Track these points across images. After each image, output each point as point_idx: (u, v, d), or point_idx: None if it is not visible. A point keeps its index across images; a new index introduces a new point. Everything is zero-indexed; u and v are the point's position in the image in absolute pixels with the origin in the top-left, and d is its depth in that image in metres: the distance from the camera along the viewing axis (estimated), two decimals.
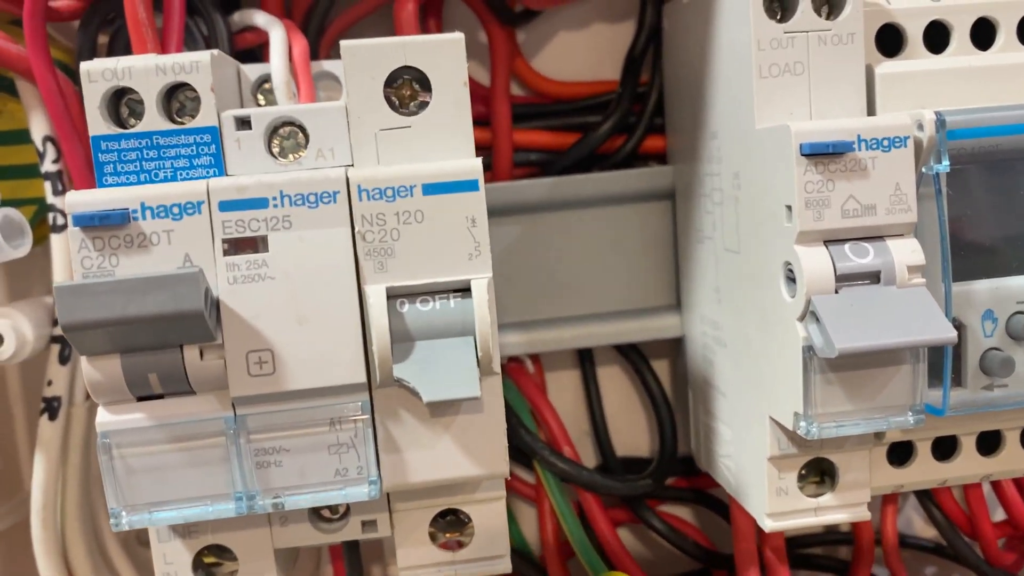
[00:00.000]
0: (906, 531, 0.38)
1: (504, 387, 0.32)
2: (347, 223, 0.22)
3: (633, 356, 0.35)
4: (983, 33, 0.27)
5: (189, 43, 0.29)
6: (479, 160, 0.22)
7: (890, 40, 0.26)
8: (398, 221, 0.22)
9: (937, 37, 0.27)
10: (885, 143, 0.23)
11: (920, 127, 0.24)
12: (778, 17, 0.25)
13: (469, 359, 0.21)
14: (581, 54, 0.35)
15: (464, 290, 0.22)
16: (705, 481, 0.35)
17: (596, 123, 0.33)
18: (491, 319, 0.22)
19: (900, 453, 0.28)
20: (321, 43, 0.31)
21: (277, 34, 0.26)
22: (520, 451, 0.33)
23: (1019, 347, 0.25)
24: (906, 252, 0.23)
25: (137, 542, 0.35)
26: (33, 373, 0.34)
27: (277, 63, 0.26)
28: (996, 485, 0.33)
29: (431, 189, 0.22)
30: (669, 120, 0.33)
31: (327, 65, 0.28)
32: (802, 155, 0.23)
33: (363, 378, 0.22)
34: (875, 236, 0.23)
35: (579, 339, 0.34)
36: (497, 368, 0.22)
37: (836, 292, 0.23)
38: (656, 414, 0.35)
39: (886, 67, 0.25)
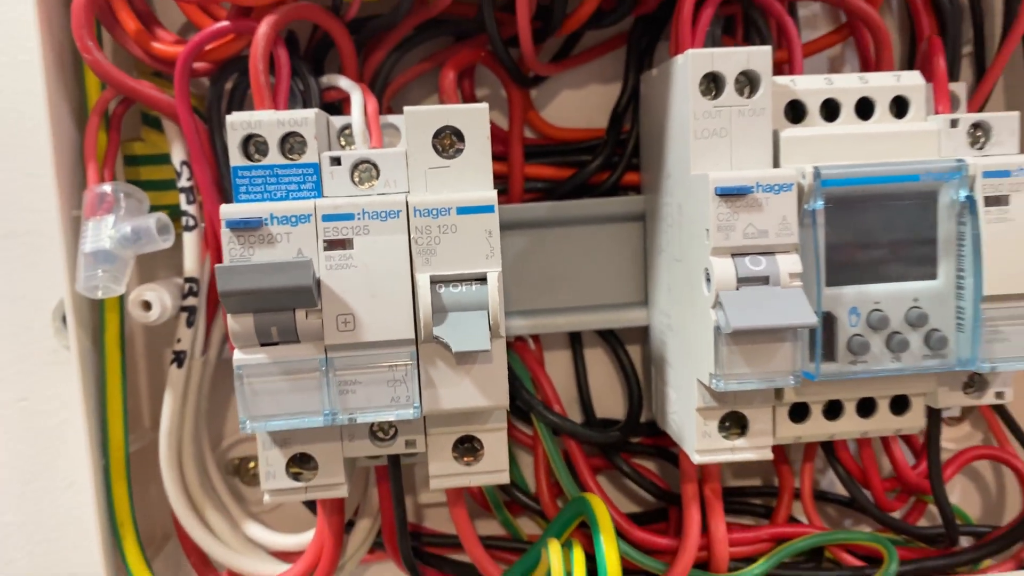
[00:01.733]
0: (828, 489, 0.48)
1: (511, 359, 0.43)
2: (405, 232, 0.32)
3: (611, 339, 0.46)
4: (865, 108, 0.37)
5: (292, 97, 0.39)
6: (495, 192, 0.33)
7: (796, 111, 0.37)
8: (439, 231, 0.32)
9: (831, 110, 0.37)
10: (775, 188, 0.33)
11: (803, 176, 0.34)
12: (711, 95, 0.35)
13: (483, 325, 0.32)
14: (578, 108, 0.45)
15: (482, 279, 0.32)
16: (666, 441, 0.45)
17: (587, 161, 0.44)
18: (499, 300, 0.32)
19: (798, 413, 0.38)
20: (383, 97, 0.42)
21: (356, 96, 0.37)
22: (521, 408, 0.44)
23: (875, 335, 0.35)
24: (788, 264, 0.33)
25: (225, 471, 0.46)
26: (154, 336, 0.45)
27: (357, 118, 0.36)
28: (887, 446, 0.43)
29: (462, 211, 0.32)
30: (642, 161, 0.43)
31: (390, 118, 0.38)
32: (716, 194, 0.33)
33: (412, 335, 0.32)
34: (768, 252, 0.33)
35: (570, 325, 0.44)
36: (502, 333, 0.32)
37: (738, 289, 0.33)
38: (627, 384, 0.45)
39: (788, 132, 0.36)
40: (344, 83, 0.38)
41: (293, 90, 0.38)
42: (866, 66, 0.43)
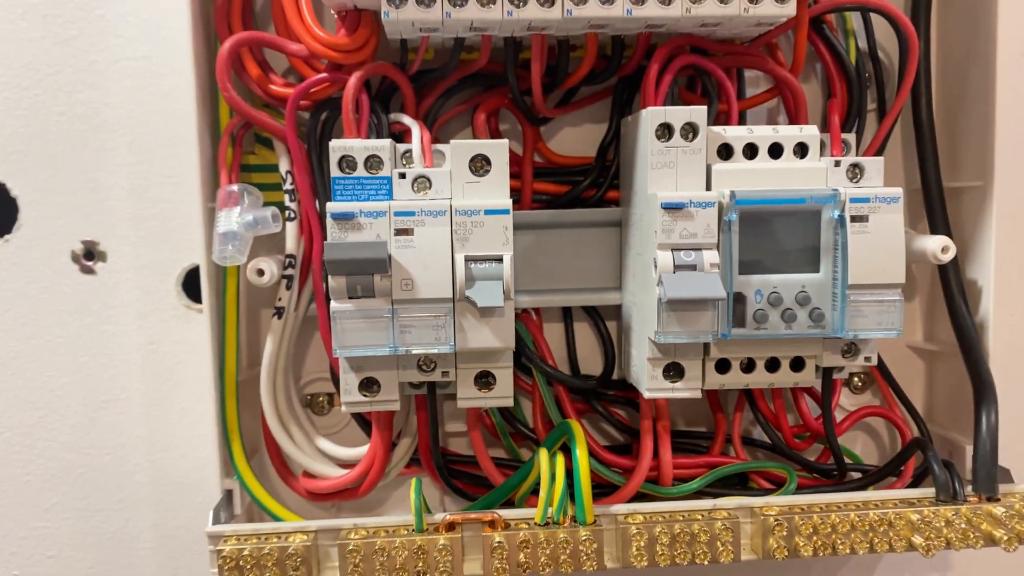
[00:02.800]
0: (760, 437, 0.62)
1: (519, 326, 0.58)
2: (449, 225, 0.47)
3: (594, 314, 0.61)
4: (776, 150, 0.52)
5: (371, 127, 0.54)
6: (511, 200, 0.48)
7: (727, 151, 0.52)
8: (472, 225, 0.47)
9: (752, 151, 0.52)
10: (703, 204, 0.48)
11: (724, 197, 0.49)
12: (664, 139, 0.50)
13: (499, 290, 0.47)
14: (576, 141, 0.60)
15: (499, 259, 0.47)
16: (633, 394, 0.60)
17: (580, 181, 0.59)
18: (510, 274, 0.47)
19: (722, 366, 0.53)
20: (433, 129, 0.57)
21: (416, 129, 0.52)
22: (524, 364, 0.59)
23: (773, 310, 0.50)
24: (710, 257, 0.48)
25: (302, 403, 0.61)
26: (253, 299, 0.60)
27: (416, 145, 0.52)
28: (795, 399, 0.58)
29: (488, 212, 0.48)
30: (620, 183, 0.58)
31: (439, 146, 0.53)
32: (662, 208, 0.48)
33: (450, 295, 0.47)
34: (696, 248, 0.48)
35: (562, 302, 0.59)
36: (512, 297, 0.48)
37: (674, 273, 0.48)
38: (604, 348, 0.60)
39: (718, 166, 0.51)
40: (406, 119, 0.53)
41: (370, 123, 0.54)
42: (790, 117, 0.57)
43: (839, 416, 0.61)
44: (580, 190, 0.58)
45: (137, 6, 0.59)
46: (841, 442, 0.63)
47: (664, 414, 0.57)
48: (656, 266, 0.49)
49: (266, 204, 0.55)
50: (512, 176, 0.58)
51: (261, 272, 0.53)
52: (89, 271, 0.61)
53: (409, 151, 0.52)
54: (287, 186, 0.55)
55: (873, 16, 0.59)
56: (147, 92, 0.59)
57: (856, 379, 0.64)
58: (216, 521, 0.52)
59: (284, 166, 0.55)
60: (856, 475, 0.60)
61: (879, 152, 0.61)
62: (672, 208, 0.48)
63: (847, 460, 0.60)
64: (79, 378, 0.61)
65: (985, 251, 0.57)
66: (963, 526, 0.51)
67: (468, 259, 0.47)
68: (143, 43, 0.59)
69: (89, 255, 0.61)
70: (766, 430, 0.58)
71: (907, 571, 0.66)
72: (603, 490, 0.57)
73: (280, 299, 0.55)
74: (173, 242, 0.61)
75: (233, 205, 0.53)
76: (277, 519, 0.55)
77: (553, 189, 0.59)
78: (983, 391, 0.55)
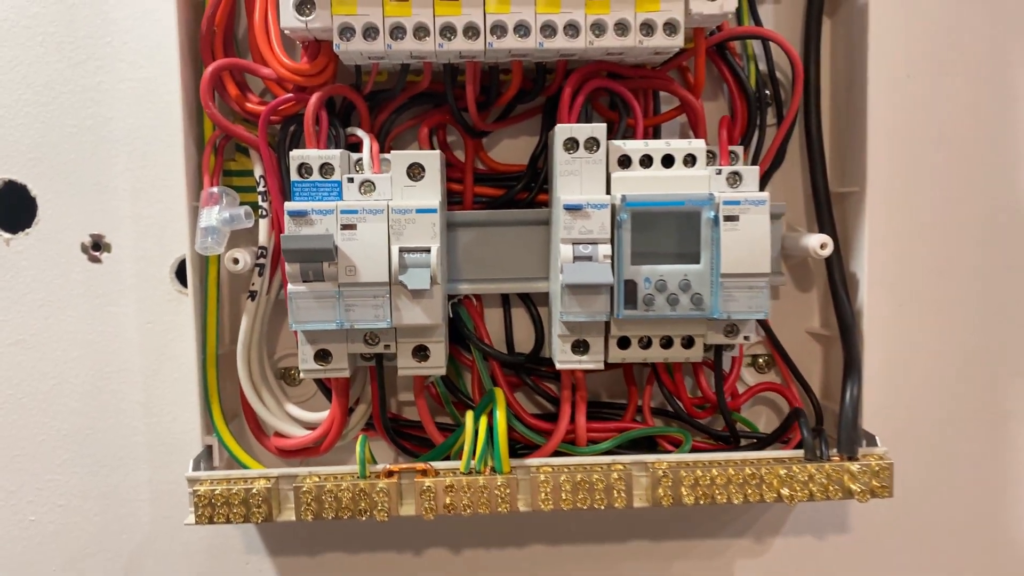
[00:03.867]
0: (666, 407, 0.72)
1: (461, 311, 0.67)
2: (386, 222, 0.57)
3: (527, 301, 0.70)
4: (669, 160, 0.61)
5: (330, 138, 0.64)
6: (438, 200, 0.58)
7: (625, 160, 0.61)
8: (406, 222, 0.57)
9: (648, 161, 0.61)
10: (598, 206, 0.58)
11: (616, 199, 0.58)
12: (572, 151, 0.60)
13: (427, 275, 0.57)
14: (513, 151, 0.70)
15: (428, 250, 0.57)
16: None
17: (515, 185, 0.68)
18: (436, 262, 0.57)
19: (623, 343, 0.62)
20: (387, 140, 0.67)
21: (366, 141, 0.62)
22: (465, 342, 0.68)
23: (660, 295, 0.59)
24: (604, 250, 0.58)
25: (276, 375, 0.71)
26: (234, 285, 0.70)
27: (366, 155, 0.62)
28: (695, 373, 0.67)
29: (419, 211, 0.57)
30: (549, 187, 0.68)
31: (386, 155, 0.63)
32: (564, 209, 0.58)
33: (387, 280, 0.57)
34: (592, 242, 0.58)
35: (499, 289, 0.68)
36: (440, 281, 0.57)
37: (574, 263, 0.58)
38: (536, 331, 0.70)
39: (617, 174, 0.60)
40: (360, 132, 0.63)
41: (330, 135, 0.64)
42: (693, 132, 0.67)
43: (743, 391, 0.70)
44: (514, 193, 0.68)
45: (138, 35, 0.69)
46: (746, 415, 0.72)
47: (582, 385, 0.66)
48: (559, 257, 0.58)
49: (242, 204, 0.65)
50: (456, 181, 0.68)
51: (236, 261, 0.63)
52: (96, 260, 0.71)
53: (361, 159, 0.62)
54: (260, 188, 0.65)
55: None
56: (145, 108, 0.69)
57: (760, 360, 0.73)
58: (196, 469, 0.62)
59: (258, 171, 0.65)
60: (750, 441, 0.69)
61: (776, 162, 0.70)
62: (572, 209, 0.58)
63: (746, 429, 0.70)
64: (87, 352, 0.71)
65: (861, 248, 0.66)
66: (824, 480, 0.60)
67: (402, 250, 0.57)
68: (142, 66, 0.69)
69: (96, 246, 0.71)
70: (668, 400, 0.68)
71: (810, 529, 0.75)
72: (529, 449, 0.66)
73: (254, 284, 0.65)
74: (167, 236, 0.71)
75: (213, 204, 0.63)
76: (247, 469, 0.65)
77: (491, 192, 0.69)
78: (850, 368, 0.64)
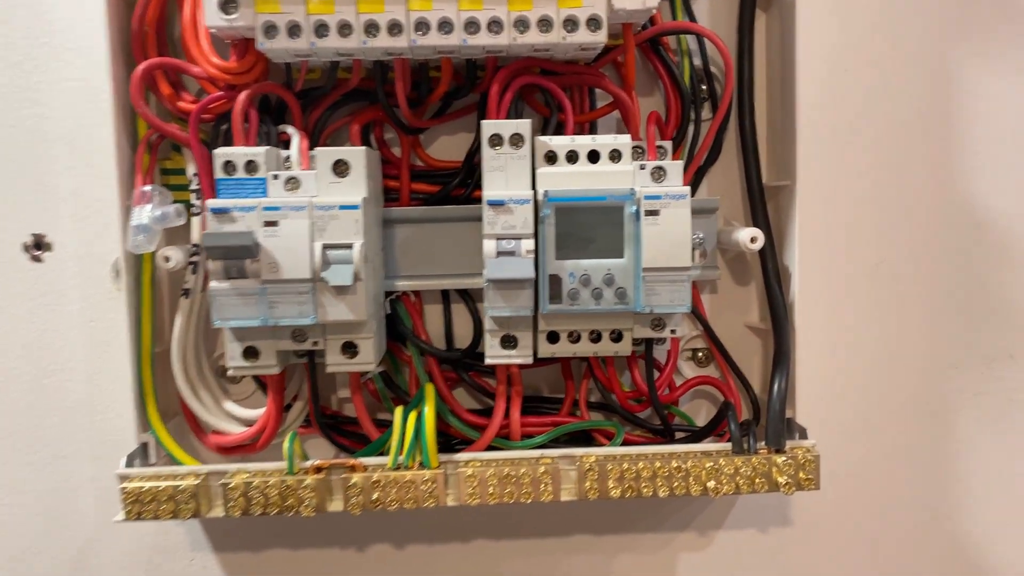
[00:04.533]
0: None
1: (399, 308, 0.68)
2: (308, 219, 0.58)
3: (467, 297, 0.71)
4: (595, 156, 0.62)
5: (261, 136, 0.65)
6: (361, 197, 0.58)
7: (552, 156, 0.62)
8: (329, 219, 0.58)
9: (574, 156, 0.62)
10: (520, 201, 0.58)
11: (539, 195, 0.59)
12: (497, 147, 0.60)
13: (349, 272, 0.57)
14: (451, 147, 0.70)
15: (350, 246, 0.57)
16: None
17: (451, 181, 0.69)
18: (359, 258, 0.57)
19: (552, 338, 0.63)
20: (321, 137, 0.67)
21: (295, 138, 0.63)
22: (403, 337, 0.69)
23: (585, 289, 0.60)
24: (527, 245, 0.58)
25: (216, 373, 0.72)
26: (176, 283, 0.70)
27: (294, 151, 0.62)
28: (630, 367, 0.68)
29: (342, 208, 0.58)
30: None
31: (315, 151, 0.63)
32: (487, 204, 0.58)
33: (310, 275, 0.58)
34: (516, 238, 0.58)
35: (437, 286, 0.68)
36: (363, 277, 0.58)
37: (497, 258, 0.58)
38: (474, 325, 0.70)
39: (543, 170, 0.60)
40: (290, 129, 0.64)
41: (261, 132, 0.64)
42: (627, 127, 0.67)
43: (681, 384, 0.71)
44: (450, 189, 0.68)
45: (75, 35, 0.69)
46: (685, 409, 0.72)
47: (517, 380, 0.67)
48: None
49: (178, 202, 0.65)
50: (393, 177, 0.68)
51: (167, 259, 0.64)
52: (38, 260, 0.71)
53: (288, 156, 0.62)
54: (193, 186, 0.65)
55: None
56: (83, 107, 0.70)
57: (700, 354, 0.73)
58: (130, 465, 0.63)
59: (191, 170, 0.65)
60: (686, 434, 0.69)
61: (712, 156, 0.70)
62: (495, 204, 0.58)
63: (684, 423, 0.70)
64: (31, 350, 0.72)
65: (793, 241, 0.66)
66: (750, 473, 0.60)
67: (325, 246, 0.57)
68: (79, 66, 0.70)
69: (38, 246, 0.71)
70: (603, 394, 0.68)
71: (752, 523, 0.76)
72: (467, 444, 0.67)
73: (187, 282, 0.66)
74: (106, 235, 0.71)
75: (145, 203, 0.64)
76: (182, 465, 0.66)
77: (428, 189, 0.69)
78: (779, 360, 0.64)
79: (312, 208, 0.58)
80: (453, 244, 0.68)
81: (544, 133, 0.63)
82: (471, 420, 0.67)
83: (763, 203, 0.68)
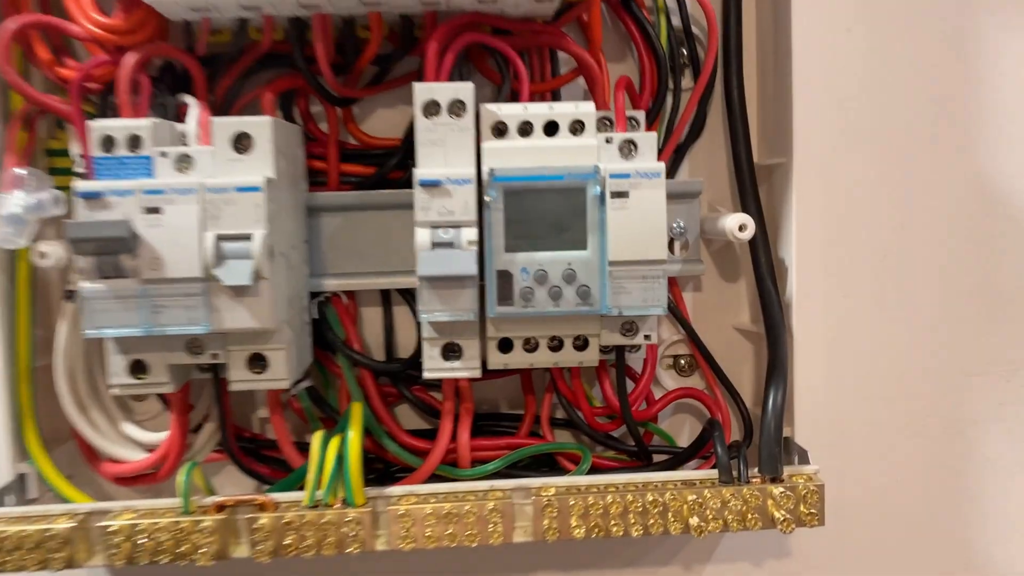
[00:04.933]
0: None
1: (327, 312, 0.57)
2: (198, 204, 0.47)
3: (409, 298, 0.60)
4: (553, 128, 0.51)
5: (156, 108, 0.54)
6: (264, 178, 0.47)
7: (502, 129, 0.51)
8: (223, 203, 0.47)
9: (529, 129, 0.51)
10: (460, 181, 0.48)
11: (484, 174, 0.48)
12: (432, 115, 0.50)
13: (248, 268, 0.46)
14: (390, 121, 0.60)
15: (249, 237, 0.47)
16: None
17: (386, 161, 0.58)
18: (261, 252, 0.47)
19: (505, 346, 0.52)
20: (232, 111, 0.56)
21: (193, 110, 0.52)
22: (331, 345, 0.58)
23: (540, 287, 0.49)
24: (469, 235, 0.48)
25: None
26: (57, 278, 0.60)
27: (190, 124, 0.51)
28: (599, 378, 0.57)
29: (240, 189, 0.47)
30: None
31: (211, 122, 0.53)
32: (420, 186, 0.48)
33: (201, 274, 0.47)
34: (455, 225, 0.48)
35: (371, 285, 0.58)
36: (266, 275, 0.47)
37: (432, 250, 0.48)
38: (419, 331, 0.60)
39: (489, 145, 0.50)
40: (188, 99, 0.53)
41: (156, 104, 0.53)
42: (593, 96, 0.57)
43: (660, 397, 0.60)
44: (387, 171, 0.58)
45: None
46: (665, 425, 0.62)
47: (467, 396, 0.56)
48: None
49: (64, 186, 0.55)
50: (318, 157, 0.58)
51: (43, 255, 0.53)
52: None
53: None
54: (79, 168, 0.55)
55: None
56: None
57: (683, 361, 0.63)
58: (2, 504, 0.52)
59: (75, 149, 0.55)
60: (666, 457, 0.59)
61: (694, 131, 0.60)
62: (429, 185, 0.48)
63: (665, 443, 0.60)
64: None
65: (789, 229, 0.56)
66: (740, 507, 0.50)
67: (219, 238, 0.47)
68: None
69: None
70: (567, 411, 0.58)
71: (745, 556, 0.65)
72: (406, 472, 0.57)
73: (69, 282, 0.55)
74: None
75: (18, 188, 0.53)
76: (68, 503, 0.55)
77: (360, 170, 0.59)
78: (775, 371, 0.54)
79: (203, 191, 0.47)
80: (392, 235, 0.58)
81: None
82: (412, 444, 0.57)
83: (754, 185, 0.58)
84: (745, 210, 0.57)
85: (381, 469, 0.59)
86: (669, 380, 0.63)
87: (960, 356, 0.63)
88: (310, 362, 0.57)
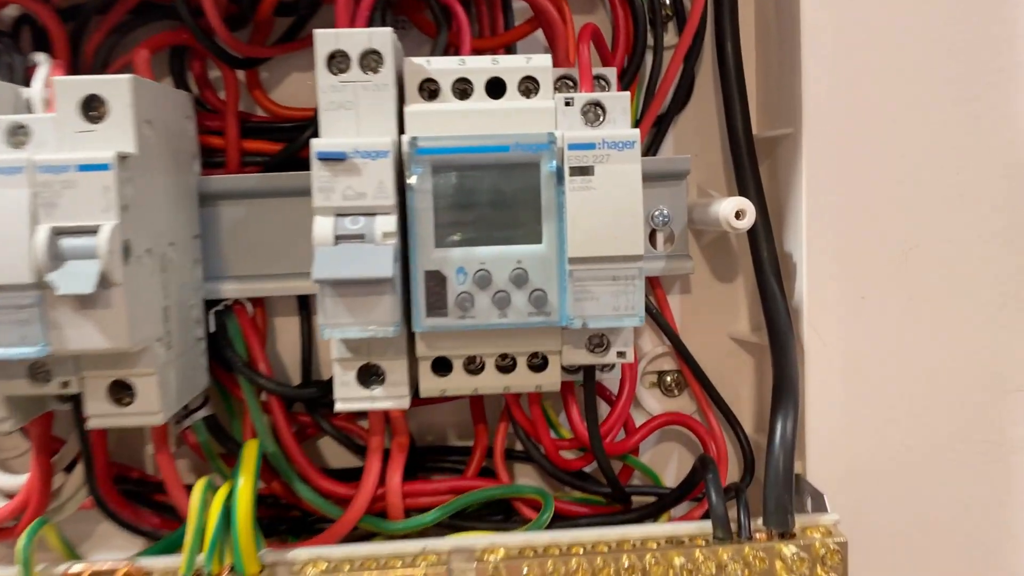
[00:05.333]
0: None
1: (229, 323, 0.46)
2: (27, 186, 0.36)
3: None
4: (499, 87, 0.40)
5: (2, 70, 0.43)
6: (114, 153, 0.36)
7: (432, 89, 0.40)
8: (61, 187, 0.36)
9: (467, 89, 0.40)
10: (372, 154, 0.36)
11: (405, 145, 0.37)
12: (340, 71, 0.38)
13: (93, 272, 0.35)
14: (303, 88, 0.49)
15: (95, 230, 0.36)
16: None
17: (298, 136, 0.47)
18: (111, 247, 0.35)
19: (441, 366, 0.41)
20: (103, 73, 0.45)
21: (41, 70, 0.41)
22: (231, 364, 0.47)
23: (483, 292, 0.38)
24: (384, 224, 0.36)
25: None
26: None
27: (36, 88, 0.40)
28: (565, 405, 0.46)
29: (84, 168, 0.36)
30: None
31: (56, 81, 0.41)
32: (319, 160, 0.36)
33: (31, 279, 0.36)
34: (367, 212, 0.37)
35: (282, 290, 0.47)
36: (118, 279, 0.36)
37: (336, 245, 0.36)
38: None
39: (413, 108, 0.39)
40: (39, 58, 0.42)
41: (3, 63, 0.42)
42: (553, 53, 0.45)
43: (641, 424, 0.49)
44: (298, 147, 0.47)
45: None
46: (647, 458, 0.51)
47: (400, 428, 0.45)
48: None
49: None
50: (215, 133, 0.47)
51: None
52: None
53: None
54: None
55: None
56: None
57: (668, 378, 0.52)
58: None
59: None
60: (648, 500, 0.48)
61: (679, 97, 0.49)
62: (331, 160, 0.36)
63: (646, 481, 0.49)
64: None
65: (799, 216, 0.45)
66: (741, 572, 0.39)
67: (55, 231, 0.36)
68: None
69: None
70: (525, 444, 0.46)
71: None
72: (325, 525, 0.45)
73: None
74: None
75: None
76: None
77: (268, 148, 0.48)
78: (782, 393, 0.43)
79: (33, 170, 0.36)
80: (307, 228, 0.46)
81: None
82: (331, 490, 0.46)
83: (753, 163, 0.47)
84: (743, 193, 0.46)
85: (298, 518, 0.48)
86: (653, 402, 0.52)
87: (1002, 369, 0.51)
88: (205, 386, 0.46)
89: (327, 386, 0.47)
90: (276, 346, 0.50)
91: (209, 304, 0.47)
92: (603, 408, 0.48)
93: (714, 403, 0.50)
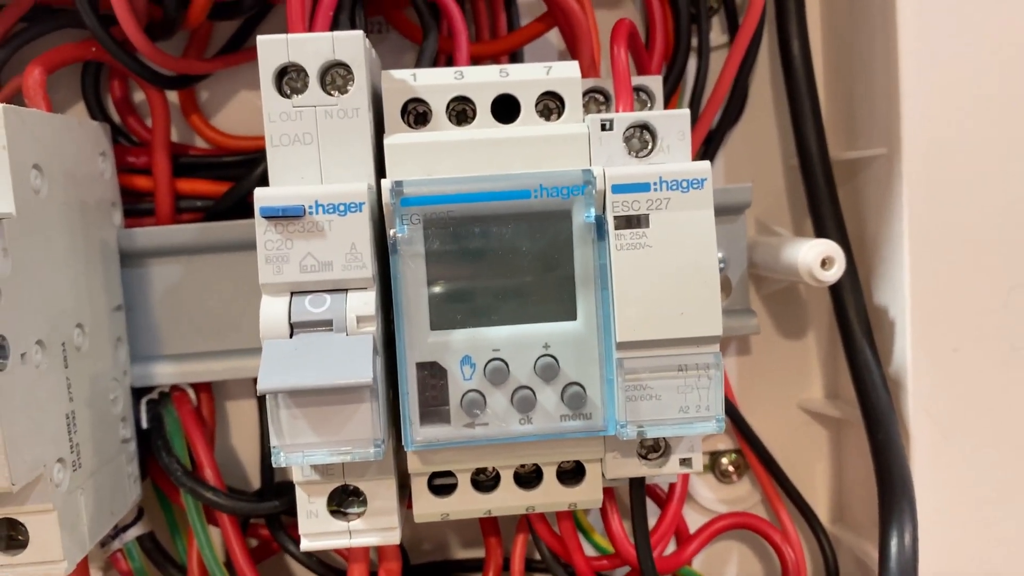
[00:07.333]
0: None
1: (166, 415, 0.36)
2: None
3: None
4: (509, 108, 0.30)
5: None
6: None
7: (420, 113, 0.30)
8: None
9: (468, 111, 0.30)
10: (341, 208, 0.26)
11: (387, 192, 0.27)
12: (292, 92, 0.28)
13: None
14: (253, 113, 0.38)
15: None
16: None
17: (248, 174, 0.37)
18: None
19: (443, 485, 0.31)
20: None
21: None
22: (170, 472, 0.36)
23: (496, 390, 0.28)
24: (359, 305, 0.26)
25: None
26: None
27: None
28: (604, 514, 0.36)
29: None
30: None
31: None
32: (263, 217, 0.26)
33: None
34: (335, 288, 0.26)
35: (234, 372, 0.37)
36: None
37: (291, 337, 0.26)
38: None
39: (395, 138, 0.28)
40: None
41: None
42: (573, 57, 0.35)
43: (697, 530, 0.39)
44: (247, 188, 0.36)
45: None
46: (700, 562, 0.41)
47: (390, 554, 0.34)
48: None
49: None
50: (141, 172, 0.36)
51: None
52: None
53: None
54: None
55: None
56: None
57: (725, 460, 0.41)
58: None
59: None
60: None
61: (731, 113, 0.39)
62: (279, 217, 0.26)
63: None
64: None
65: (899, 262, 0.35)
66: None
67: None
68: None
69: None
70: (549, 565, 0.36)
71: None
72: None
73: None
74: None
75: None
76: None
77: (210, 190, 0.37)
78: (892, 494, 0.32)
79: None
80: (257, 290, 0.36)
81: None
82: None
83: (832, 193, 0.37)
84: (820, 231, 0.36)
85: None
86: (706, 491, 0.41)
87: None
88: (136, 499, 0.36)
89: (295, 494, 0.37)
90: (229, 438, 0.40)
91: (139, 393, 0.36)
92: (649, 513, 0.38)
93: (784, 491, 0.39)
